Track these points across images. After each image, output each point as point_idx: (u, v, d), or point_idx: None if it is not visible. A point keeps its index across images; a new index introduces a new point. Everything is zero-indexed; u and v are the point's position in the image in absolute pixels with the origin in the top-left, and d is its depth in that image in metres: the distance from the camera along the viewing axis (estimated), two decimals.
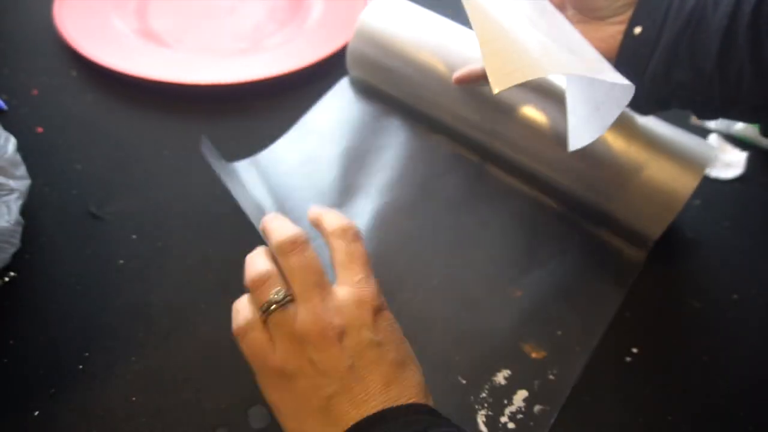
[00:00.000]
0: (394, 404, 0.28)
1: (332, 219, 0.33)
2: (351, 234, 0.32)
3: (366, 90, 0.56)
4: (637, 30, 0.38)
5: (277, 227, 0.32)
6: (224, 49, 0.61)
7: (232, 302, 0.40)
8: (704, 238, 0.48)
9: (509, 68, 0.30)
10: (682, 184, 0.42)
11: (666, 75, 0.37)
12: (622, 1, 0.38)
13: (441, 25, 0.51)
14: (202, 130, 0.53)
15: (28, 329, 0.39)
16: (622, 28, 0.39)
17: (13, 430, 0.34)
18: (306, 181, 0.48)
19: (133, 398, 0.36)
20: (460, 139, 0.51)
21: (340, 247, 0.32)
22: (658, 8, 0.37)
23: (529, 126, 0.46)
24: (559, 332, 0.40)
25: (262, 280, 0.30)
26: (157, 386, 0.36)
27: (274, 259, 0.32)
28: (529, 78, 0.29)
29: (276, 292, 0.30)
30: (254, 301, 0.31)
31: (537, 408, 0.37)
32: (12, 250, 0.39)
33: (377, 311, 0.30)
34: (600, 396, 0.38)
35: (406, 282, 0.43)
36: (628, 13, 0.38)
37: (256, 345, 0.30)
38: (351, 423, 0.27)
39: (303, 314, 0.29)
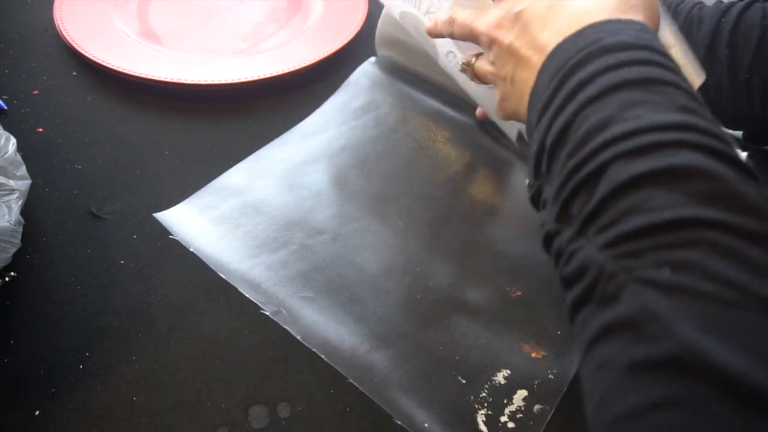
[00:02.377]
0: (568, 33, 0.30)
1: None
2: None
3: (391, 70, 0.57)
4: None
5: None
6: (224, 49, 0.61)
7: (231, 302, 0.40)
8: None
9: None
10: None
11: None
12: None
13: None
14: (202, 130, 0.53)
15: (28, 329, 0.39)
16: None
17: (13, 430, 0.34)
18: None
19: (133, 398, 0.36)
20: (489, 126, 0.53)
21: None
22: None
23: None
24: (559, 332, 0.40)
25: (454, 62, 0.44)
26: (157, 386, 0.36)
27: None
28: None
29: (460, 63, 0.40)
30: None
31: (537, 407, 0.37)
32: (12, 250, 0.39)
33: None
34: None
35: (405, 280, 0.43)
36: None
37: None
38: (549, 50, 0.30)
39: (480, 41, 0.37)
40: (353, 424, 0.36)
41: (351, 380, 0.37)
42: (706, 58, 0.40)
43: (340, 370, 0.37)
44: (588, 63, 0.27)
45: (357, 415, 0.36)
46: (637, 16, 0.30)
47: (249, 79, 0.55)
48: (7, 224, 0.39)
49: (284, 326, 0.39)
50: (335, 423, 0.36)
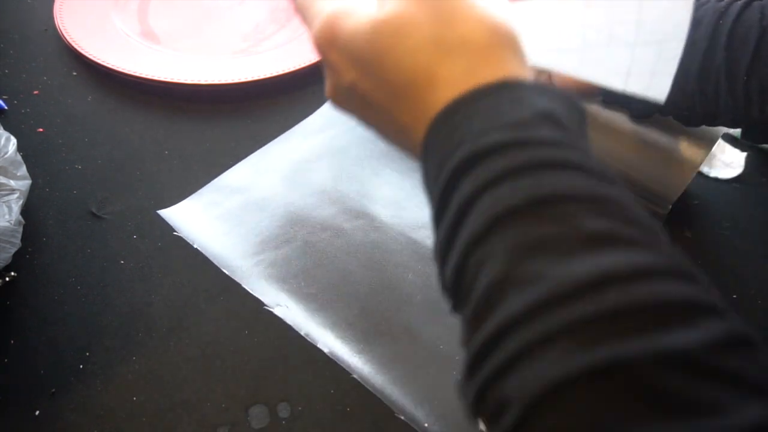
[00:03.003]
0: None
1: None
2: None
3: None
4: None
5: None
6: (224, 49, 0.61)
7: (231, 302, 0.40)
8: (703, 238, 0.48)
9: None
10: (696, 151, 0.44)
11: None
12: None
13: None
14: (202, 130, 0.53)
15: (28, 329, 0.39)
16: None
17: (13, 430, 0.34)
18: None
19: (134, 398, 0.36)
20: None
21: None
22: None
23: None
24: None
25: None
26: (157, 386, 0.36)
27: None
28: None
29: None
30: None
31: None
32: (12, 250, 0.39)
33: (329, 44, 0.24)
34: None
35: (405, 279, 0.43)
36: None
37: None
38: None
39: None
40: (353, 424, 0.36)
41: (354, 376, 0.37)
42: (703, 63, 0.40)
43: (343, 366, 0.37)
44: (462, 176, 0.20)
45: (357, 415, 0.36)
46: (509, 57, 0.22)
47: (249, 79, 0.55)
48: (7, 224, 0.39)
49: (287, 322, 0.39)
50: (335, 423, 0.36)
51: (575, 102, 0.22)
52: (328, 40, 0.24)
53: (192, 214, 0.45)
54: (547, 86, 0.22)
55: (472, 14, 0.22)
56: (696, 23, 0.40)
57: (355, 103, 0.25)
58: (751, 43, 0.38)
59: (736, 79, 0.39)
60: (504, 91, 0.21)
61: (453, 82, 0.21)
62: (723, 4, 0.41)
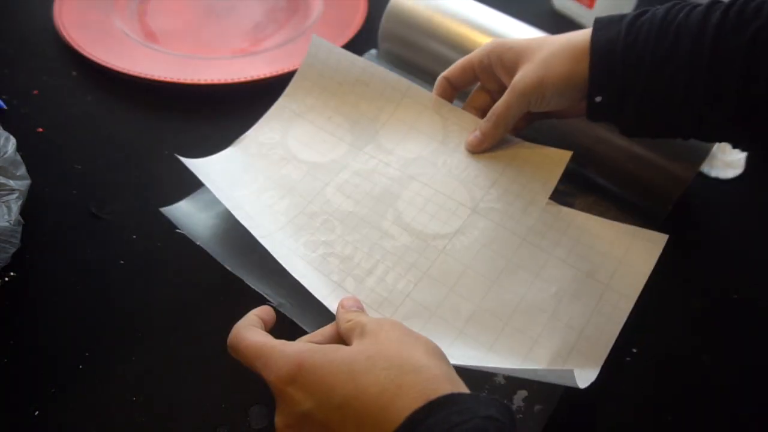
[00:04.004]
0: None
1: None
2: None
3: (394, 62, 0.57)
4: (598, 99, 0.40)
5: None
6: (224, 49, 0.61)
7: (232, 302, 0.40)
8: (704, 237, 0.48)
9: None
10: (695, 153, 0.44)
11: (637, 126, 0.40)
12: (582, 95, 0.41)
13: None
14: (202, 130, 0.53)
15: (28, 329, 0.39)
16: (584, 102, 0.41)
17: (13, 430, 0.34)
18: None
19: (133, 398, 0.36)
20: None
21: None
22: (613, 76, 0.39)
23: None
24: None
25: None
26: (157, 386, 0.36)
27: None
28: None
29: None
30: None
31: (537, 408, 0.37)
32: (12, 250, 0.39)
33: (291, 380, 0.28)
34: (599, 396, 0.38)
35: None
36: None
37: None
38: None
39: None
40: None
41: None
42: (686, 91, 0.37)
43: None
44: None
45: None
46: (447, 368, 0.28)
47: (249, 79, 0.55)
48: (6, 224, 0.39)
49: (291, 317, 0.39)
50: None
51: (508, 406, 0.27)
52: (291, 376, 0.28)
53: (194, 211, 0.45)
54: (483, 397, 0.27)
55: (421, 346, 0.29)
56: (674, 37, 0.37)
57: (306, 429, 0.28)
58: (737, 62, 0.35)
59: (723, 103, 0.36)
60: (452, 404, 0.26)
61: (415, 391, 0.26)
62: (698, 13, 0.37)
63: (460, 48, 0.52)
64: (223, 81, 0.55)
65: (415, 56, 0.56)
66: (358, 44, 0.61)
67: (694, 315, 0.42)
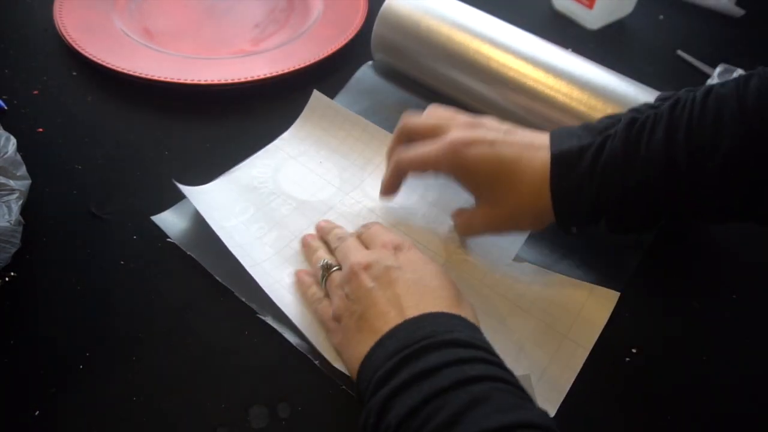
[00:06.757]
0: (415, 313, 0.33)
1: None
2: (372, 224, 0.43)
3: (389, 74, 0.57)
4: (573, 230, 0.40)
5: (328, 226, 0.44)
6: (224, 49, 0.61)
7: (231, 302, 0.40)
8: (704, 238, 0.48)
9: None
10: None
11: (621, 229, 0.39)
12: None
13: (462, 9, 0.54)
14: (202, 130, 0.53)
15: (28, 329, 0.39)
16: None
17: (13, 430, 0.34)
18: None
19: (133, 398, 0.36)
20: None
21: (363, 234, 0.42)
22: (581, 216, 0.38)
23: (563, 111, 0.48)
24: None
25: (317, 257, 0.41)
26: (157, 386, 0.36)
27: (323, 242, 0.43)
28: None
29: (323, 263, 0.40)
30: (315, 277, 0.41)
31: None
32: (12, 250, 0.39)
33: (398, 248, 0.38)
34: (600, 396, 0.38)
35: None
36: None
37: (322, 310, 0.39)
38: (380, 334, 0.33)
39: (345, 266, 0.38)
40: (353, 424, 0.36)
41: (344, 387, 0.37)
42: (666, 188, 0.36)
43: (333, 377, 0.37)
44: (432, 351, 0.30)
45: (357, 415, 0.36)
46: (464, 312, 0.34)
47: (249, 79, 0.55)
48: (7, 224, 0.39)
49: (280, 332, 0.39)
50: (335, 423, 0.36)
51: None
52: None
53: (185, 219, 0.45)
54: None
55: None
56: (650, 131, 0.36)
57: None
58: (718, 153, 0.34)
59: (705, 198, 0.36)
60: (458, 320, 0.34)
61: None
62: (668, 104, 0.36)
63: (457, 57, 0.51)
64: (223, 81, 0.55)
65: (410, 66, 0.55)
66: (358, 45, 0.61)
67: (694, 315, 0.43)
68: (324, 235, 0.44)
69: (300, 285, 0.41)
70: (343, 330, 0.36)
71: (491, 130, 0.40)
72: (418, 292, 0.35)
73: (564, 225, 0.39)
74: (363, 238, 0.41)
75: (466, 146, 0.39)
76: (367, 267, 0.36)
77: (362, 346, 0.33)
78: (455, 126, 0.41)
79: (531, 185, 0.38)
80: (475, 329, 0.33)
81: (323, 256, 0.41)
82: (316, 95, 0.54)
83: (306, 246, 0.43)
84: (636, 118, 0.37)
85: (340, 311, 0.36)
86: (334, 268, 0.39)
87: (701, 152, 0.34)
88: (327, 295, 0.39)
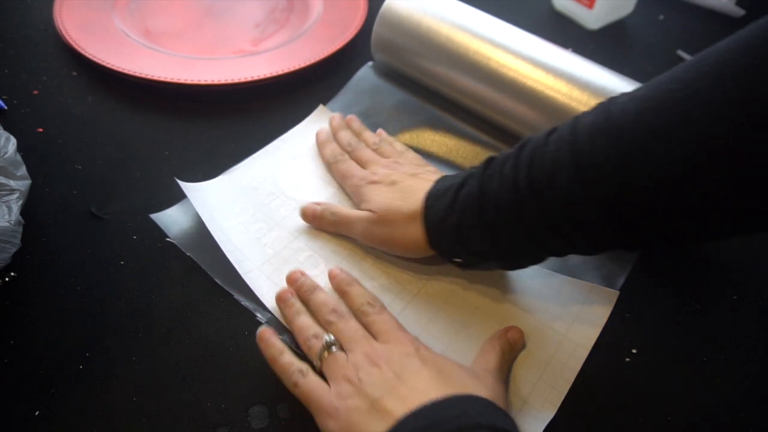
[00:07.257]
0: (439, 398, 0.31)
1: (358, 293, 0.40)
2: (378, 306, 0.39)
3: (389, 74, 0.57)
4: (458, 260, 0.40)
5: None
6: (224, 49, 0.61)
7: (231, 302, 0.40)
8: None
9: None
10: None
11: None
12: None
13: (461, 9, 0.54)
14: (202, 131, 0.53)
15: (28, 329, 0.39)
16: None
17: (13, 430, 0.34)
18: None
19: (133, 398, 0.36)
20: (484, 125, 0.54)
21: (371, 320, 0.38)
22: (461, 253, 0.39)
23: (563, 111, 0.48)
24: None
25: (314, 335, 0.37)
26: (157, 386, 0.36)
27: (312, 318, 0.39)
28: None
29: (327, 340, 0.36)
30: (306, 351, 0.37)
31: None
32: (12, 250, 0.39)
33: (416, 346, 0.36)
34: (599, 396, 0.38)
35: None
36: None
37: (314, 388, 0.34)
38: (398, 416, 0.31)
39: (356, 353, 0.35)
40: None
41: None
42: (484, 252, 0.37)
43: None
44: None
45: None
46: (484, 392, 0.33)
47: (249, 79, 0.55)
48: (7, 224, 0.39)
49: (279, 334, 0.39)
50: None
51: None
52: None
53: (184, 219, 0.45)
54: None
55: None
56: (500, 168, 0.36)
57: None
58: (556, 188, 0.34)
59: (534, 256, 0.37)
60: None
61: None
62: (520, 143, 0.37)
63: (457, 57, 0.51)
64: (223, 81, 0.55)
65: (410, 66, 0.55)
66: (358, 44, 0.61)
67: (693, 315, 0.43)
68: (303, 296, 0.40)
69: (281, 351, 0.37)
70: (347, 413, 0.32)
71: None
72: (444, 380, 0.33)
73: (443, 255, 0.40)
74: (371, 329, 0.38)
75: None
76: (387, 360, 0.34)
77: (376, 425, 0.31)
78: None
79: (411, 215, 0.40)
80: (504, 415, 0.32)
81: (312, 326, 0.38)
82: (320, 109, 0.55)
83: (282, 303, 0.40)
84: (494, 157, 0.38)
85: (349, 395, 0.33)
86: (335, 349, 0.36)
87: (540, 184, 0.34)
88: (312, 367, 0.36)
